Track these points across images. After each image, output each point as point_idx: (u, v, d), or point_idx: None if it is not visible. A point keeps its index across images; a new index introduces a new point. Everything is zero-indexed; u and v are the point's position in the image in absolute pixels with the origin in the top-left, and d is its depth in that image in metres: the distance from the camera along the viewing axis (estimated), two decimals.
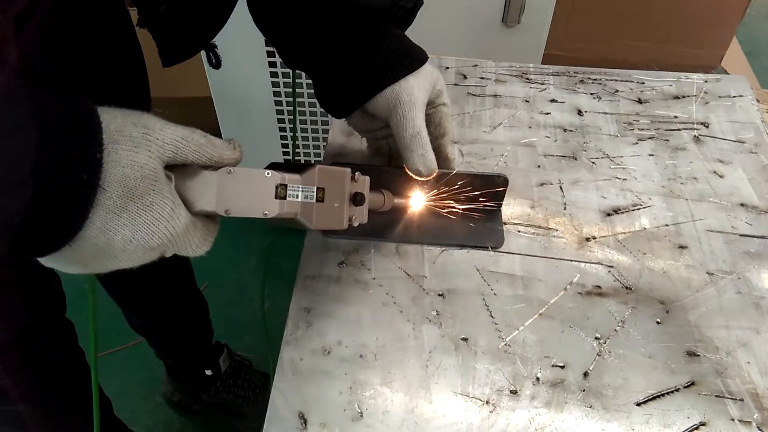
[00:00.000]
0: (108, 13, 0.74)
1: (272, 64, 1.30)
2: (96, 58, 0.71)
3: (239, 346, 1.41)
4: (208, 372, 1.25)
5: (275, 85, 1.34)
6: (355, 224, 0.51)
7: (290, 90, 1.34)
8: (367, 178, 0.53)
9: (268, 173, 0.42)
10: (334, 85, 0.59)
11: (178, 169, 0.39)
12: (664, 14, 1.50)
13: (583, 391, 0.53)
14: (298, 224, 0.45)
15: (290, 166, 0.45)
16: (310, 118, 1.41)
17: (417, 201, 0.64)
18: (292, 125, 1.38)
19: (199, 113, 1.64)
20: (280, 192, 0.42)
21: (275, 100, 1.38)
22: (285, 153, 1.50)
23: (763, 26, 2.67)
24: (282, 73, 1.32)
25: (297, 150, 1.49)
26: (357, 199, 0.50)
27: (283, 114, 1.41)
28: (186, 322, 1.18)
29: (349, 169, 0.49)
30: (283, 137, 1.47)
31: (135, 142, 0.36)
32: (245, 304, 1.55)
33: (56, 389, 0.90)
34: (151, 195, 0.36)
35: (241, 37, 1.21)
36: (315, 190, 0.45)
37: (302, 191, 0.44)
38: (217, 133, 1.50)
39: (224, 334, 1.37)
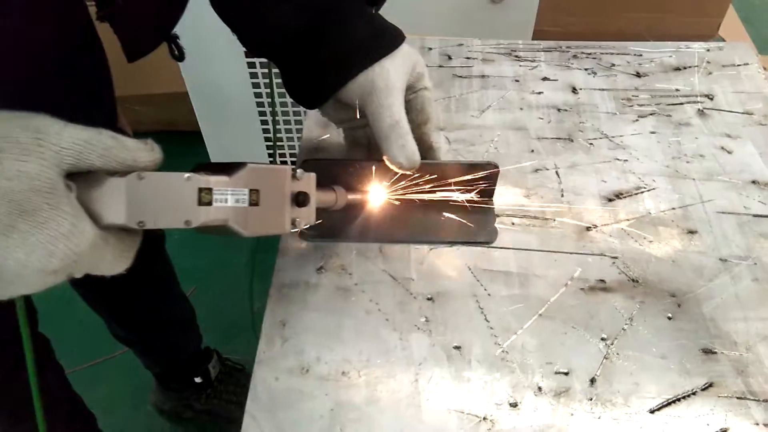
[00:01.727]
0: (65, 8, 0.69)
1: (249, 54, 1.24)
2: (54, 56, 0.66)
3: (230, 350, 1.36)
4: (198, 379, 1.20)
5: (253, 76, 1.28)
6: (301, 227, 0.46)
7: (269, 81, 1.28)
8: (313, 175, 0.47)
9: (187, 176, 0.36)
10: (302, 73, 0.54)
11: (83, 177, 0.33)
12: None
13: (591, 399, 0.48)
14: (231, 232, 0.40)
15: (221, 166, 0.40)
16: (292, 110, 1.35)
17: (400, 196, 0.58)
18: (272, 118, 1.32)
19: (177, 109, 1.59)
20: (204, 197, 0.37)
21: (254, 92, 1.32)
22: (269, 147, 1.45)
23: None
24: (260, 63, 1.25)
25: (280, 143, 1.43)
26: (300, 199, 0.45)
27: (264, 106, 1.35)
28: (171, 330, 1.13)
29: (288, 167, 0.44)
30: (265, 130, 1.41)
31: (23, 149, 0.30)
32: (235, 306, 1.50)
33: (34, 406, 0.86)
34: (46, 210, 0.31)
35: (214, 28, 1.14)
36: (247, 192, 0.40)
37: (232, 195, 0.39)
38: (196, 130, 1.44)
39: (215, 337, 1.32)
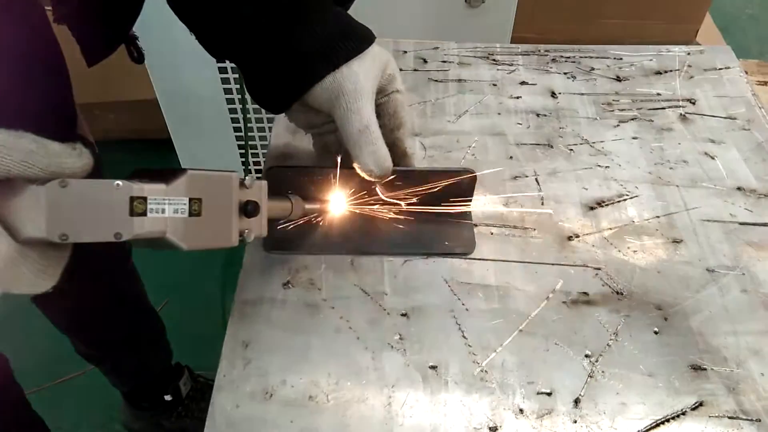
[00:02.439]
0: (17, 8, 0.65)
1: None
2: (5, 57, 0.62)
3: (204, 365, 1.31)
4: (168, 397, 1.15)
5: (225, 81, 1.24)
6: (250, 239, 0.43)
7: (240, 86, 1.24)
8: (264, 183, 0.44)
9: (117, 184, 0.32)
10: (265, 75, 0.50)
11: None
12: None
13: (575, 422, 0.45)
14: (169, 246, 0.36)
15: (160, 172, 0.37)
16: (266, 116, 1.31)
17: (372, 205, 0.55)
18: (244, 125, 1.28)
19: (148, 117, 1.54)
20: (138, 207, 0.33)
21: (227, 98, 1.28)
22: (243, 155, 1.41)
23: (732, 0, 2.62)
24: (232, 68, 1.22)
25: (255, 151, 1.39)
26: (249, 209, 0.42)
27: (237, 113, 1.31)
28: (139, 346, 1.08)
29: (235, 174, 0.41)
30: (239, 137, 1.37)
31: None
32: (209, 319, 1.45)
33: None
34: None
35: (183, 32, 1.11)
36: (187, 201, 0.37)
37: (170, 204, 0.35)
38: (168, 138, 1.40)
39: (188, 352, 1.27)
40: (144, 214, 0.33)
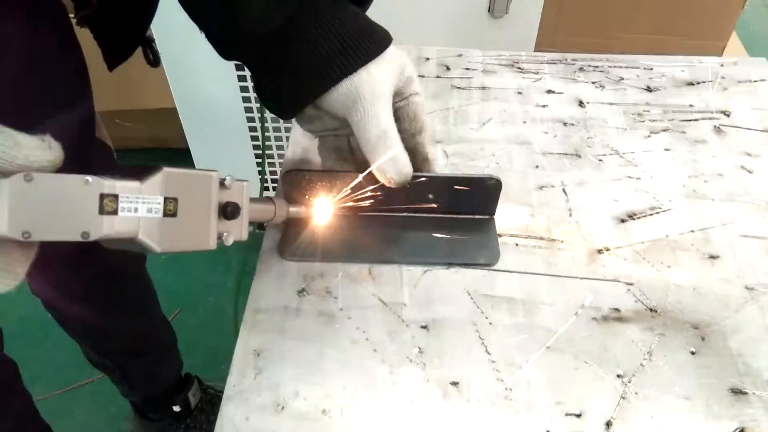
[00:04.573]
0: (41, 10, 0.65)
1: (240, 67, 1.19)
2: (27, 58, 0.61)
3: (214, 376, 1.29)
4: (176, 408, 1.13)
5: (244, 90, 1.24)
6: (229, 242, 0.40)
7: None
8: (245, 184, 0.42)
9: (87, 179, 0.30)
10: (277, 77, 0.48)
11: None
12: (663, 3, 1.41)
13: None
14: (141, 247, 0.34)
15: (135, 170, 0.35)
16: (284, 125, 1.30)
17: (391, 212, 0.53)
18: (262, 134, 1.27)
19: (167, 126, 1.55)
20: (108, 205, 0.31)
21: (245, 107, 1.27)
22: (259, 164, 1.39)
23: (758, 20, 2.59)
24: (251, 77, 1.21)
25: (272, 161, 1.38)
26: (228, 211, 0.40)
27: (255, 122, 1.30)
28: (150, 356, 1.06)
29: (215, 173, 0.39)
30: (256, 147, 1.36)
31: None
32: (220, 330, 1.43)
33: None
34: None
35: (202, 42, 1.10)
36: (162, 200, 0.34)
37: (143, 203, 0.33)
38: (186, 147, 1.39)
39: (199, 363, 1.25)
40: (115, 212, 0.31)
